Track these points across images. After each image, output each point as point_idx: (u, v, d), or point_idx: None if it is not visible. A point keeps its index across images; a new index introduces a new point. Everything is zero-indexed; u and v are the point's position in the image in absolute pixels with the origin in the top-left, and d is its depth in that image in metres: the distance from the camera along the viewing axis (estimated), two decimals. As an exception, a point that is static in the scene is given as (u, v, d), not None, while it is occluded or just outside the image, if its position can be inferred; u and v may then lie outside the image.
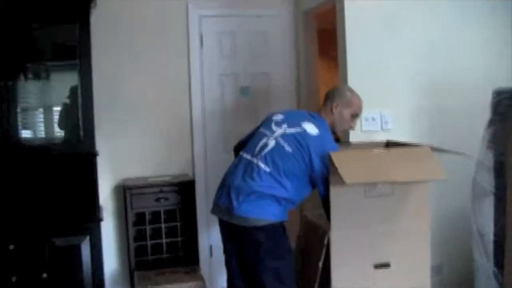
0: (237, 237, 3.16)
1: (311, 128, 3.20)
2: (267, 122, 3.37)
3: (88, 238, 4.15)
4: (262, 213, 3.04)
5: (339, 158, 2.99)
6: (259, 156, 3.17)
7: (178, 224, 4.50)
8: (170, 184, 4.51)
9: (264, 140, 3.24)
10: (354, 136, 3.94)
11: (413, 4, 4.18)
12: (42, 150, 4.25)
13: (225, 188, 3.23)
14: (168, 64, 4.79)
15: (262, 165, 3.12)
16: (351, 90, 3.45)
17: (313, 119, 3.28)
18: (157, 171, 4.69)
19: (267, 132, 3.28)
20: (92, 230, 4.16)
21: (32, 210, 4.06)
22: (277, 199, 3.06)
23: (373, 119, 4.02)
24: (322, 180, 3.10)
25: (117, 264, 4.75)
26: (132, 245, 4.45)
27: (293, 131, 3.19)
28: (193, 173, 4.81)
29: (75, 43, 4.25)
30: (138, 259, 4.47)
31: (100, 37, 4.44)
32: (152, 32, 4.76)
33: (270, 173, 3.09)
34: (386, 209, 3.19)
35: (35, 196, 4.10)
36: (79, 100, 4.26)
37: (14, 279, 3.99)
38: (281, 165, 3.10)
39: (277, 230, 3.09)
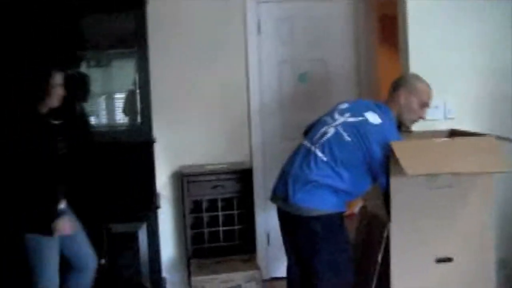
0: (293, 226, 3.12)
1: (373, 118, 3.09)
2: (332, 110, 3.30)
3: (145, 225, 4.19)
4: (318, 203, 2.98)
5: (400, 148, 2.90)
6: (317, 144, 3.10)
7: (235, 212, 4.48)
8: (228, 172, 4.49)
9: (324, 128, 3.17)
10: (417, 125, 3.82)
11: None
12: (102, 136, 4.30)
13: (283, 176, 3.19)
14: (226, 51, 4.75)
15: (319, 154, 3.06)
16: (418, 77, 3.31)
17: (378, 109, 3.16)
18: (215, 159, 4.67)
19: (329, 120, 3.21)
20: (149, 217, 4.19)
21: (91, 196, 4.09)
22: (334, 189, 2.99)
23: (436, 107, 3.86)
24: (382, 171, 3.00)
25: (174, 251, 4.76)
26: (189, 232, 4.47)
27: (354, 120, 3.10)
28: (251, 161, 4.76)
29: (133, 32, 4.28)
30: (195, 247, 4.48)
31: (159, 26, 4.46)
32: (209, 20, 4.73)
33: (327, 162, 3.02)
34: (448, 201, 3.08)
35: (94, 182, 4.14)
36: (137, 87, 4.30)
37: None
38: (338, 155, 3.02)
39: (334, 220, 3.03)
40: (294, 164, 3.13)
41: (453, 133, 3.53)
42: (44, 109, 3.33)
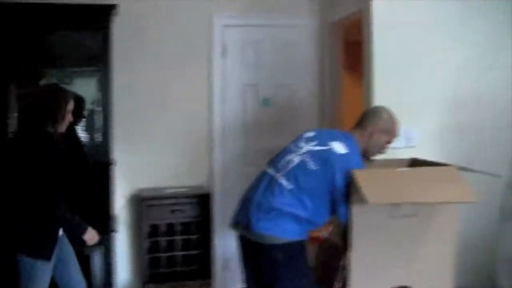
0: (254, 254, 3.05)
1: (339, 147, 3.05)
2: (297, 139, 3.26)
3: (101, 248, 4.06)
4: (280, 231, 2.92)
5: (362, 176, 2.86)
6: (282, 172, 3.05)
7: (193, 237, 4.40)
8: (187, 196, 4.43)
9: (290, 156, 3.12)
10: (378, 153, 3.82)
11: (441, 25, 4.06)
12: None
13: (245, 203, 3.12)
14: (190, 73, 4.72)
15: (284, 182, 3.01)
16: (391, 115, 3.28)
17: (344, 139, 3.12)
18: (175, 182, 4.61)
19: (294, 148, 3.16)
20: (105, 240, 4.08)
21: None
22: (297, 218, 2.94)
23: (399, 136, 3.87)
24: (343, 200, 2.96)
25: (130, 276, 4.65)
26: (145, 257, 4.37)
27: (320, 149, 3.06)
28: (211, 186, 4.69)
29: (97, 50, 4.22)
30: (151, 272, 4.40)
31: (122, 44, 4.40)
32: (175, 41, 4.71)
33: (291, 191, 2.97)
34: (410, 230, 3.03)
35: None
36: (99, 107, 4.22)
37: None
38: (303, 183, 2.98)
39: (296, 249, 2.97)
40: (258, 192, 3.08)
41: (414, 162, 3.51)
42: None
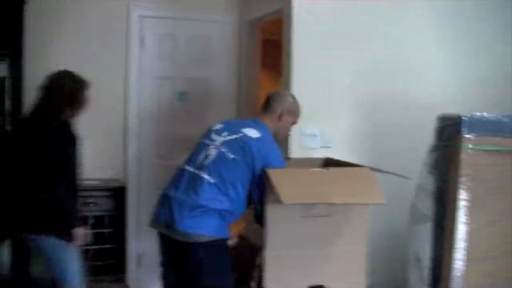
0: (177, 252, 3.04)
1: (252, 133, 3.10)
2: (207, 133, 3.26)
3: (9, 242, 3.94)
4: (205, 229, 2.93)
5: (277, 176, 2.90)
6: (202, 168, 3.05)
7: (106, 231, 4.32)
8: (100, 188, 4.35)
9: (206, 151, 3.12)
10: (293, 152, 3.87)
11: (360, 23, 4.13)
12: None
13: (165, 201, 3.10)
14: (105, 64, 4.61)
15: (206, 176, 3.00)
16: (294, 97, 3.38)
17: (255, 125, 3.18)
18: (88, 174, 4.47)
19: (208, 142, 3.17)
20: (13, 234, 3.95)
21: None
22: (220, 214, 2.96)
23: (314, 135, 3.94)
24: (258, 183, 3.01)
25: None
26: (56, 251, 4.26)
27: (234, 137, 3.09)
28: (125, 179, 4.63)
29: (8, 34, 4.07)
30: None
31: (35, 30, 4.25)
32: (90, 30, 4.60)
33: (215, 184, 2.98)
34: (322, 230, 3.11)
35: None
36: (8, 93, 4.08)
37: None
38: (225, 174, 2.99)
39: (220, 246, 2.99)
40: (179, 189, 3.06)
41: (328, 162, 3.58)
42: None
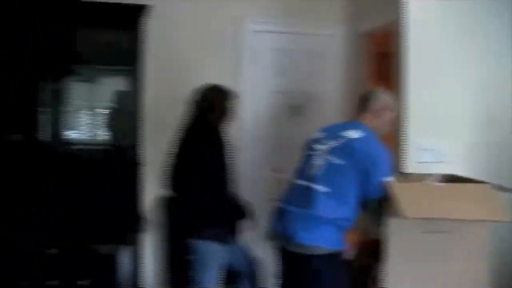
0: (294, 264, 3.09)
1: (353, 134, 3.12)
2: (309, 145, 3.31)
3: (129, 248, 4.12)
4: (321, 241, 2.97)
5: (398, 189, 2.92)
6: (313, 179, 3.09)
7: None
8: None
9: (313, 162, 3.16)
10: (407, 166, 3.84)
11: (477, 39, 4.06)
12: (88, 154, 4.28)
13: (281, 215, 3.17)
14: (219, 79, 4.70)
15: (318, 187, 3.05)
16: (388, 92, 3.39)
17: (354, 126, 3.19)
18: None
19: (312, 153, 3.21)
20: (134, 240, 4.13)
21: (76, 216, 4.04)
22: (336, 223, 3.00)
23: (430, 150, 3.89)
24: (377, 174, 3.03)
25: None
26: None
27: (338, 143, 3.12)
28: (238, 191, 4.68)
29: (127, 48, 4.28)
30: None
31: (151, 45, 4.40)
32: (204, 45, 4.74)
33: (328, 193, 3.01)
34: (442, 246, 3.08)
35: (79, 201, 4.11)
36: (128, 106, 4.28)
37: (55, 283, 3.98)
38: (336, 181, 3.03)
39: (337, 258, 3.03)
40: (293, 203, 3.12)
41: (450, 178, 3.53)
42: None
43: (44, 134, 4.17)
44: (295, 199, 3.12)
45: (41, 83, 4.18)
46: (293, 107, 4.95)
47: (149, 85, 4.35)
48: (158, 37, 4.51)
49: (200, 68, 4.67)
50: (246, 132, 4.79)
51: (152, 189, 4.50)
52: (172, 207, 3.68)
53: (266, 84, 4.88)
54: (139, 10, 4.22)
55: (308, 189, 3.08)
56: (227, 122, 3.64)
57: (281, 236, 3.11)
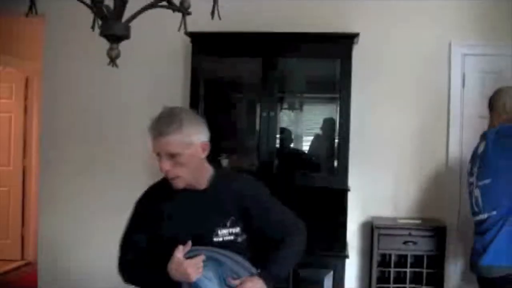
0: None
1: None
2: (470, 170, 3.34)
3: (331, 273, 4.12)
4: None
5: None
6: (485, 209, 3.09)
7: (424, 271, 4.27)
8: (420, 228, 4.31)
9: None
10: None
11: None
12: (294, 180, 4.39)
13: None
14: (426, 103, 4.63)
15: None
16: None
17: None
18: (407, 213, 4.53)
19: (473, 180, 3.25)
20: (336, 265, 4.14)
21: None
22: None
23: None
24: None
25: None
26: (375, 286, 4.33)
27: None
28: (445, 219, 4.54)
29: (334, 77, 4.35)
30: (379, 301, 4.34)
31: (357, 72, 4.38)
32: (412, 70, 4.65)
33: None
34: None
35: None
36: (336, 133, 4.31)
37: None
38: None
39: None
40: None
41: None
42: None
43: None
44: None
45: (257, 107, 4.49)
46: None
47: (354, 112, 4.34)
48: (363, 65, 4.50)
49: (407, 95, 4.63)
50: (454, 158, 4.59)
51: (355, 216, 4.54)
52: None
53: (474, 109, 4.64)
54: (351, 38, 4.26)
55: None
56: None
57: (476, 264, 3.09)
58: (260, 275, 2.44)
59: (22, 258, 7.04)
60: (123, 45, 2.13)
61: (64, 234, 5.06)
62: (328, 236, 4.15)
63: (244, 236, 2.49)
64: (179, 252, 2.32)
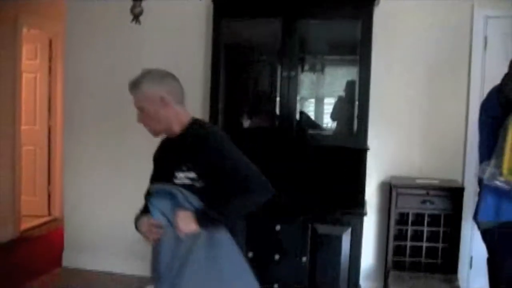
0: None
1: None
2: None
3: (349, 230, 4.21)
4: None
5: None
6: None
7: (441, 229, 4.35)
8: (438, 188, 4.38)
9: None
10: None
11: None
12: (313, 140, 4.48)
13: None
14: (447, 66, 4.64)
15: None
16: None
17: None
18: (425, 173, 4.59)
19: None
20: (354, 223, 4.21)
21: (300, 196, 4.26)
22: None
23: None
24: None
25: (374, 260, 4.78)
26: (392, 244, 4.43)
27: None
28: (463, 180, 4.61)
29: (355, 39, 4.36)
30: (395, 259, 4.44)
31: (376, 35, 4.40)
32: (432, 34, 4.65)
33: None
34: None
35: (303, 182, 4.33)
36: (356, 95, 4.35)
37: (277, 257, 4.23)
38: None
39: None
40: None
41: None
42: None
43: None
44: None
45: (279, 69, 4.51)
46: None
47: (374, 72, 4.37)
48: (383, 29, 4.53)
49: (427, 56, 4.65)
50: (473, 120, 4.60)
51: (374, 175, 4.62)
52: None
53: (495, 72, 4.63)
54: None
55: None
56: None
57: None
58: (196, 212, 2.53)
59: (49, 214, 7.28)
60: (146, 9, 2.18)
61: (87, 192, 5.23)
62: (347, 194, 4.24)
63: (203, 183, 2.58)
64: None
